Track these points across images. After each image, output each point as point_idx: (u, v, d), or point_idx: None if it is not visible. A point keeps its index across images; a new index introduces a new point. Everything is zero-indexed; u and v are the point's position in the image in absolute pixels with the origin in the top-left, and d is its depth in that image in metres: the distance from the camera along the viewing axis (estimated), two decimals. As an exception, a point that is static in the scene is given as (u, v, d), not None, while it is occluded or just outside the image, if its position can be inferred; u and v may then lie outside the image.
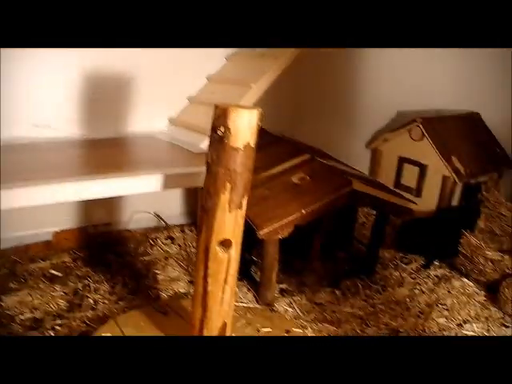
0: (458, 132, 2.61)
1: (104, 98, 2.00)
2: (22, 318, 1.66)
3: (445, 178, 2.44)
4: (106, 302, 1.80)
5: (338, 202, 1.90)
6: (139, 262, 2.08)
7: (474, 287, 2.07)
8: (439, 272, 2.17)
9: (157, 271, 2.02)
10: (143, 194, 2.06)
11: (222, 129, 1.16)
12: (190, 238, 2.29)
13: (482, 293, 2.04)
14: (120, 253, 2.13)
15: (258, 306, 1.84)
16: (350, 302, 1.93)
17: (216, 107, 1.18)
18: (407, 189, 2.59)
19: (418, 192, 2.58)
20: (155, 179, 1.58)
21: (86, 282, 1.90)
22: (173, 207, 2.44)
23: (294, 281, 2.04)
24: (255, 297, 1.89)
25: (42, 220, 2.06)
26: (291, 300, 1.90)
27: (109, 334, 1.49)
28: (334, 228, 2.15)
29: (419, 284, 2.08)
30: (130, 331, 1.51)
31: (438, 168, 2.46)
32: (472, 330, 1.81)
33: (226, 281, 1.30)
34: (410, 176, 2.61)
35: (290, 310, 1.85)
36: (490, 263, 2.03)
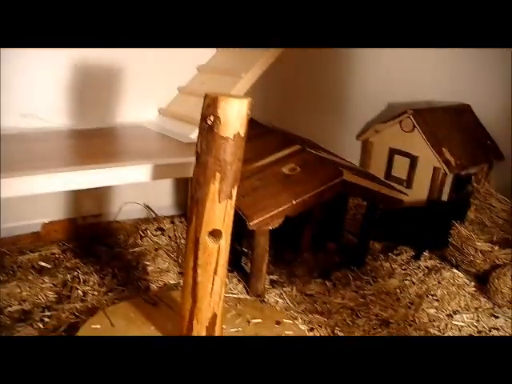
0: (449, 123, 2.62)
1: (93, 87, 1.97)
2: (10, 309, 1.65)
3: (435, 170, 2.45)
4: (95, 293, 1.78)
5: (328, 193, 1.90)
6: (129, 253, 2.07)
7: (464, 278, 2.08)
8: (429, 263, 2.18)
9: (147, 262, 2.01)
10: (133, 185, 2.06)
11: (212, 118, 1.14)
12: (180, 230, 2.28)
13: (472, 283, 2.05)
14: (109, 244, 2.12)
15: (248, 297, 1.84)
16: (340, 293, 1.93)
17: (206, 96, 1.16)
18: (398, 180, 2.59)
19: (408, 183, 2.58)
20: (145, 169, 1.56)
21: (75, 273, 1.88)
22: (163, 198, 2.42)
23: (284, 272, 2.04)
24: (245, 288, 1.89)
25: (30, 211, 2.04)
26: (282, 291, 1.90)
27: (98, 326, 1.48)
28: (324, 219, 2.15)
29: (409, 275, 2.08)
30: (119, 322, 1.50)
31: (428, 159, 2.47)
32: (462, 320, 1.82)
33: (215, 271, 1.29)
34: (400, 167, 2.61)
35: (280, 301, 1.85)
36: (479, 254, 2.04)
